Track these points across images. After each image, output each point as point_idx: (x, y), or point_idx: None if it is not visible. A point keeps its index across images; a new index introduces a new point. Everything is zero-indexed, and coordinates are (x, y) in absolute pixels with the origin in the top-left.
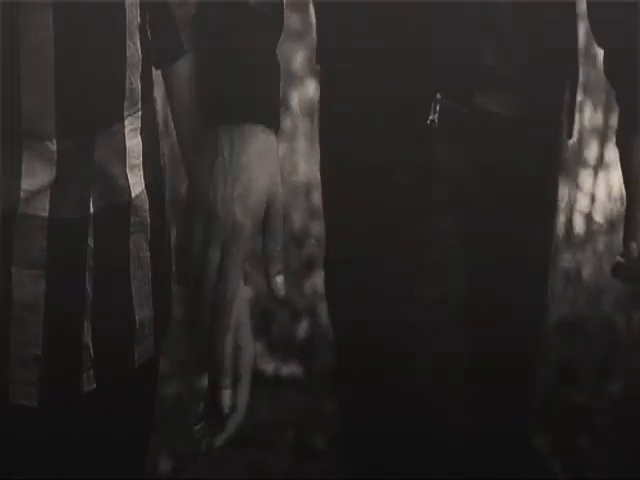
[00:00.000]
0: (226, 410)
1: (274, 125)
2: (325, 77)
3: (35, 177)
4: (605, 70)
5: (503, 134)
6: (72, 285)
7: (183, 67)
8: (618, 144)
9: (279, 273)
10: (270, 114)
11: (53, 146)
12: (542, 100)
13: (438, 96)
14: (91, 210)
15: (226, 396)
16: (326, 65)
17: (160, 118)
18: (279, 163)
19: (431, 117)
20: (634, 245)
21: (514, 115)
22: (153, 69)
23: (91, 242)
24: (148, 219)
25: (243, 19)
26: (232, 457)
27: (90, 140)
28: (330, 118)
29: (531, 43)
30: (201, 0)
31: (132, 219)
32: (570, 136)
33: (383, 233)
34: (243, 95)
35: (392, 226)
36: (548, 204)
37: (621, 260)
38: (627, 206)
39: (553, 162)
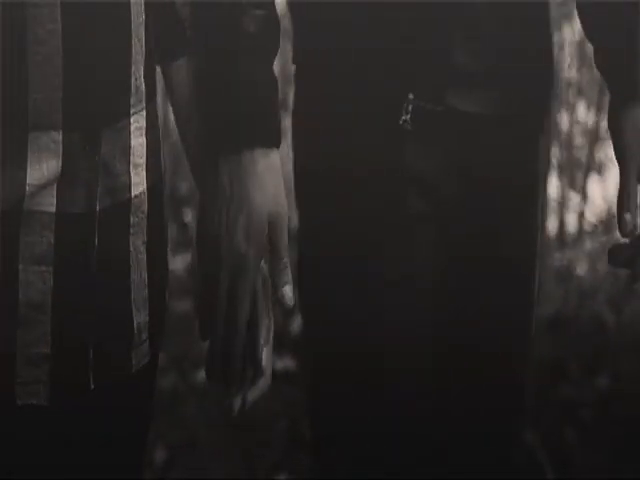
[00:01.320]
0: (263, 365)
1: (274, 144)
2: (299, 77)
3: (41, 171)
4: (596, 62)
5: (480, 134)
6: (80, 281)
7: (182, 63)
8: (610, 125)
9: (286, 283)
10: (268, 134)
11: (59, 137)
12: (518, 99)
13: (410, 96)
14: (97, 206)
15: (263, 353)
16: (300, 65)
17: (160, 118)
18: (282, 178)
19: (404, 117)
20: (628, 216)
21: (490, 114)
22: (156, 68)
23: (96, 240)
24: (145, 221)
25: (237, 43)
26: (227, 447)
27: (96, 134)
28: (303, 119)
29: (505, 42)
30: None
31: (131, 219)
32: (549, 134)
33: (355, 236)
34: (239, 121)
35: (364, 229)
36: (532, 203)
37: (617, 243)
38: (620, 181)
39: (534, 160)
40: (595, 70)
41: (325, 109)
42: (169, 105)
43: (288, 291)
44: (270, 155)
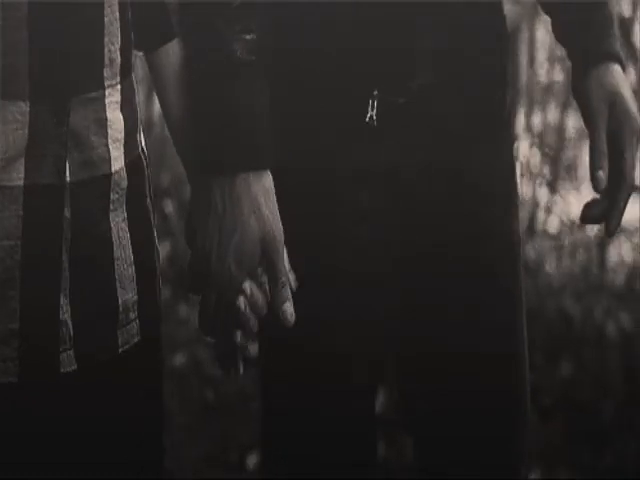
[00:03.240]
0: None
1: (267, 165)
2: None
3: (8, 143)
4: (554, 30)
5: (444, 124)
6: (48, 255)
7: (168, 47)
8: (575, 93)
9: (285, 301)
10: (262, 156)
11: (26, 107)
12: (475, 94)
13: (375, 93)
14: (68, 178)
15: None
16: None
17: (142, 111)
18: (275, 198)
19: (370, 114)
20: (601, 173)
21: (450, 107)
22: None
23: (68, 212)
24: (125, 198)
25: (230, 69)
26: (201, 426)
27: (65, 104)
28: None
29: (461, 40)
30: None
31: (111, 195)
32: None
33: (320, 235)
34: (234, 145)
35: (329, 227)
36: (502, 194)
37: (589, 201)
38: (590, 140)
39: (502, 151)
40: (568, 71)
41: (287, 108)
42: (150, 98)
43: (288, 308)
44: (263, 177)
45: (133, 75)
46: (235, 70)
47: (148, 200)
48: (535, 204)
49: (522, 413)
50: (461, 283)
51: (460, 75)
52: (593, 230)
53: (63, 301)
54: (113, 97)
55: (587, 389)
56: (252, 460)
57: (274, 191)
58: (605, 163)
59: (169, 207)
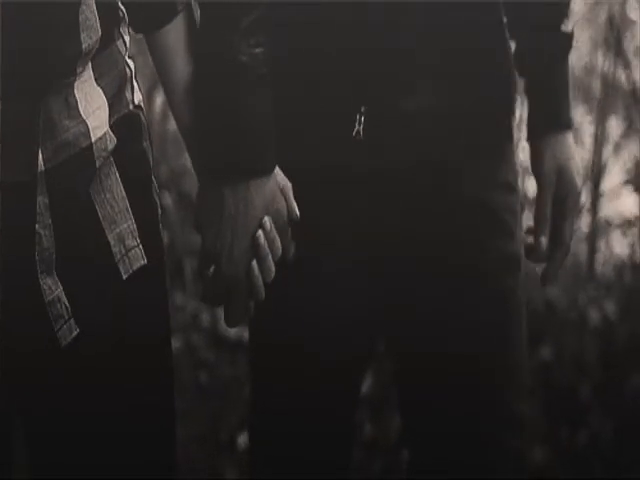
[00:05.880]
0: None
1: (274, 168)
2: None
3: None
4: (517, 64)
5: (432, 129)
6: (24, 248)
7: (170, 30)
8: (530, 139)
9: (290, 245)
10: (271, 160)
11: None
12: (470, 99)
13: (362, 109)
14: (41, 169)
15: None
16: None
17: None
18: (281, 195)
19: (357, 128)
20: (543, 239)
21: (443, 113)
22: (125, 24)
23: (46, 199)
24: (111, 157)
25: (239, 79)
26: (195, 410)
27: (36, 102)
28: None
29: (458, 44)
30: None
31: (97, 163)
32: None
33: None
34: (245, 152)
35: (319, 234)
36: (503, 207)
37: (532, 245)
38: (537, 204)
39: (493, 150)
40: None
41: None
42: (150, 96)
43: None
44: (270, 179)
45: (119, 41)
46: (246, 82)
47: (145, 143)
48: (524, 198)
49: (519, 415)
50: (453, 284)
51: (472, 97)
52: (584, 223)
53: (51, 281)
54: (83, 77)
55: (566, 372)
56: (243, 440)
57: (285, 180)
58: (548, 229)
59: (167, 200)
